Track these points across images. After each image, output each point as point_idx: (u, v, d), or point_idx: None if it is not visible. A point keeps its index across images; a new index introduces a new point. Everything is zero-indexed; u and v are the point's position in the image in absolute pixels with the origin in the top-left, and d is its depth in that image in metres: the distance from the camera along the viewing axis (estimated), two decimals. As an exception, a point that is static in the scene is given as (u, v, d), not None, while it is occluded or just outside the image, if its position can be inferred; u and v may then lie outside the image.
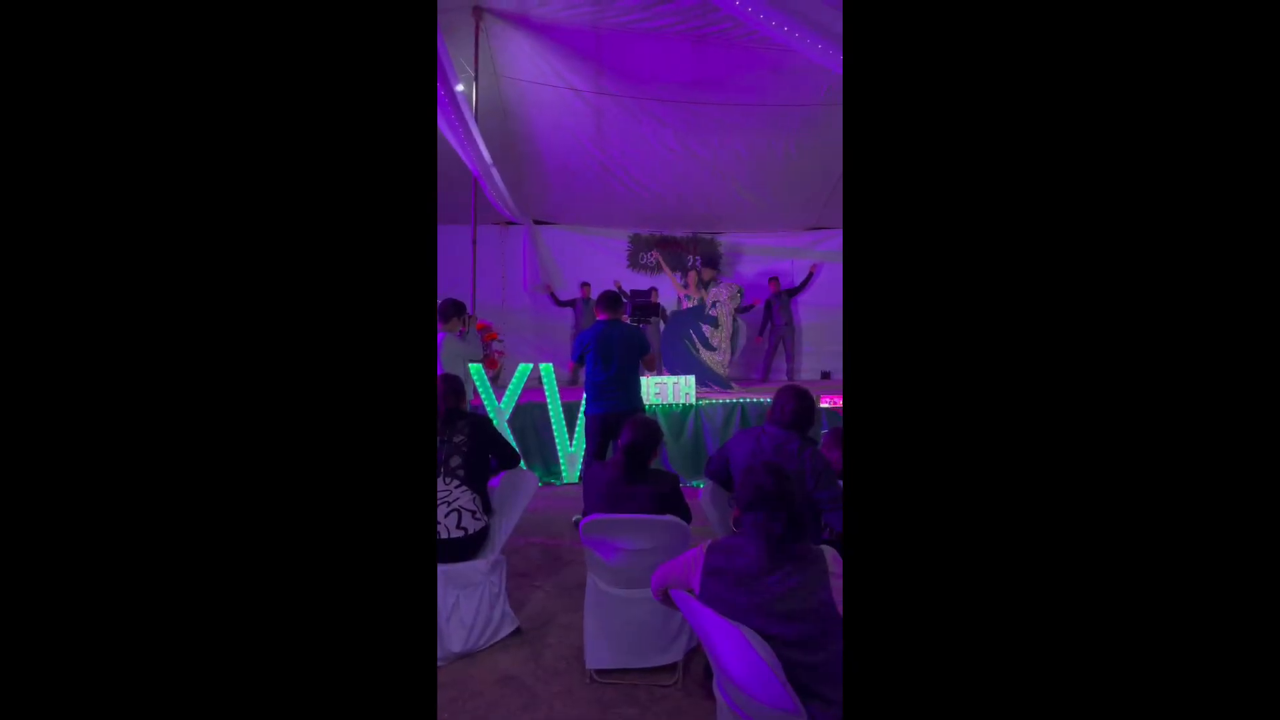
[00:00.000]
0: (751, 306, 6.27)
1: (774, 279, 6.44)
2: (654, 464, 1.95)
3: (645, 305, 5.14)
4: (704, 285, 5.27)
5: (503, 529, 2.25)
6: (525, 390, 4.23)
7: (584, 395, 3.38)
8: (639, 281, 6.72)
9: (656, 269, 6.85)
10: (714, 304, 5.10)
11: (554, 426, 4.23)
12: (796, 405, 1.99)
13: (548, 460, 4.31)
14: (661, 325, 5.45)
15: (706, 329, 5.13)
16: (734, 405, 4.32)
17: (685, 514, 1.94)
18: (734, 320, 5.18)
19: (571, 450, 4.27)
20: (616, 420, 2.98)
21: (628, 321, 3.81)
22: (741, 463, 1.94)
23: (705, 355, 5.10)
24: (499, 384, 4.55)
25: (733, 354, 5.23)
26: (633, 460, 1.92)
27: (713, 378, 5.04)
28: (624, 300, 3.30)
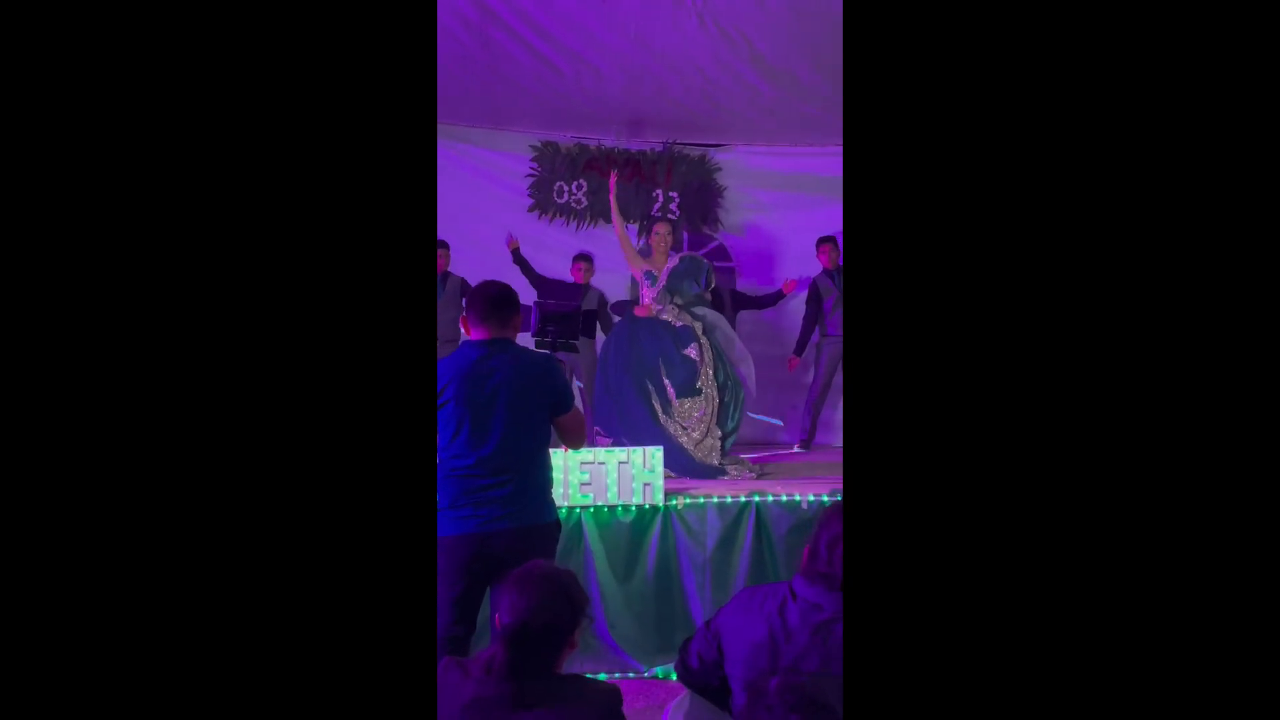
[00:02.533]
0: (779, 295, 5.28)
1: (828, 241, 5.14)
2: (570, 657, 1.67)
3: (566, 314, 3.68)
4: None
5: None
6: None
7: (438, 494, 2.65)
8: (553, 241, 5.64)
9: (590, 216, 5.80)
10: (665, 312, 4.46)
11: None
12: None
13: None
14: (600, 341, 4.78)
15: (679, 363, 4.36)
16: (742, 508, 3.60)
17: None
18: (713, 351, 4.36)
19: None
20: (498, 551, 2.40)
21: (529, 347, 2.88)
22: (746, 664, 1.65)
23: (672, 416, 4.30)
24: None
25: (726, 418, 4.37)
26: (523, 660, 1.56)
27: (686, 464, 4.22)
28: (519, 304, 2.51)
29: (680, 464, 4.09)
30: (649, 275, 4.41)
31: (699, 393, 4.24)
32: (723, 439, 4.28)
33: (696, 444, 4.22)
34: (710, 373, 4.25)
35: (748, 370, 4.41)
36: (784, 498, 3.53)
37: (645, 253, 4.54)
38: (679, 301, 4.39)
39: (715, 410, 4.27)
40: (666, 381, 4.23)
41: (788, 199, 5.71)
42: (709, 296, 4.55)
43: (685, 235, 5.68)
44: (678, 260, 4.48)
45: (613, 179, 4.83)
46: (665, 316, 4.33)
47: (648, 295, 4.39)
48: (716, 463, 4.23)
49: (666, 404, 4.24)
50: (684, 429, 4.23)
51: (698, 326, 4.33)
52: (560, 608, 1.61)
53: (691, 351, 4.29)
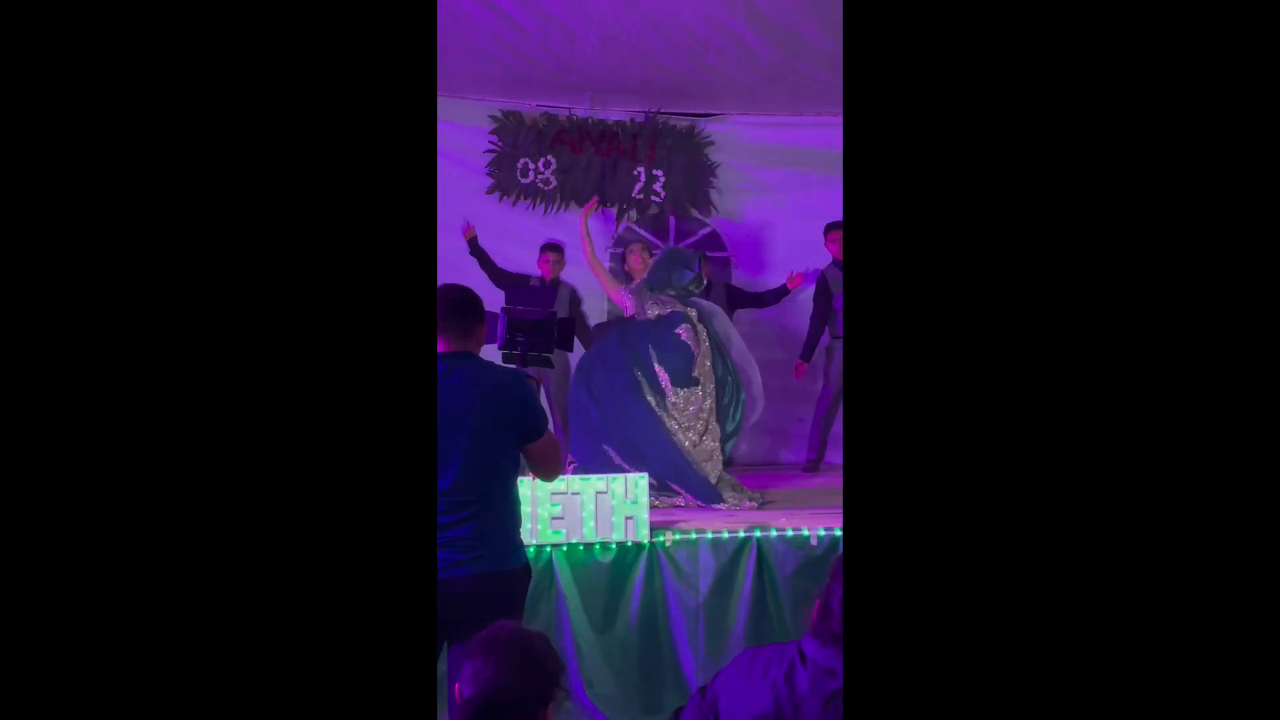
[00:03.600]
0: (783, 291, 5.19)
1: (837, 226, 5.00)
2: None
3: (539, 322, 3.56)
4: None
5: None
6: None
7: None
8: (517, 228, 5.47)
9: (560, 198, 5.59)
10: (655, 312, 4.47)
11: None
12: None
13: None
14: (574, 353, 4.74)
15: (665, 366, 4.33)
16: (740, 545, 3.57)
17: None
18: (710, 339, 4.37)
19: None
20: (458, 601, 2.31)
21: (494, 361, 2.90)
22: None
23: (667, 410, 4.22)
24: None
25: (726, 417, 4.32)
26: None
27: (686, 479, 4.14)
28: (483, 310, 2.47)
29: (674, 470, 4.09)
30: (631, 291, 4.54)
31: (695, 383, 4.24)
32: (723, 441, 4.28)
33: (695, 445, 4.24)
34: (707, 363, 4.27)
35: (752, 373, 4.43)
36: (789, 532, 3.54)
37: (622, 277, 4.63)
38: (671, 292, 4.42)
39: (714, 407, 4.28)
40: (659, 369, 4.24)
41: (791, 178, 5.63)
42: (703, 284, 4.56)
43: (671, 221, 5.67)
44: (659, 254, 4.55)
45: (588, 208, 4.91)
46: (652, 312, 4.37)
47: (630, 306, 4.41)
48: (714, 478, 4.25)
49: (660, 395, 4.24)
50: (680, 426, 4.22)
51: (691, 312, 4.37)
52: (531, 679, 1.58)
53: (683, 333, 4.30)
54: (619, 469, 4.06)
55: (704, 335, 4.39)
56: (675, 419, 4.26)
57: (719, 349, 4.39)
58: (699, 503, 4.15)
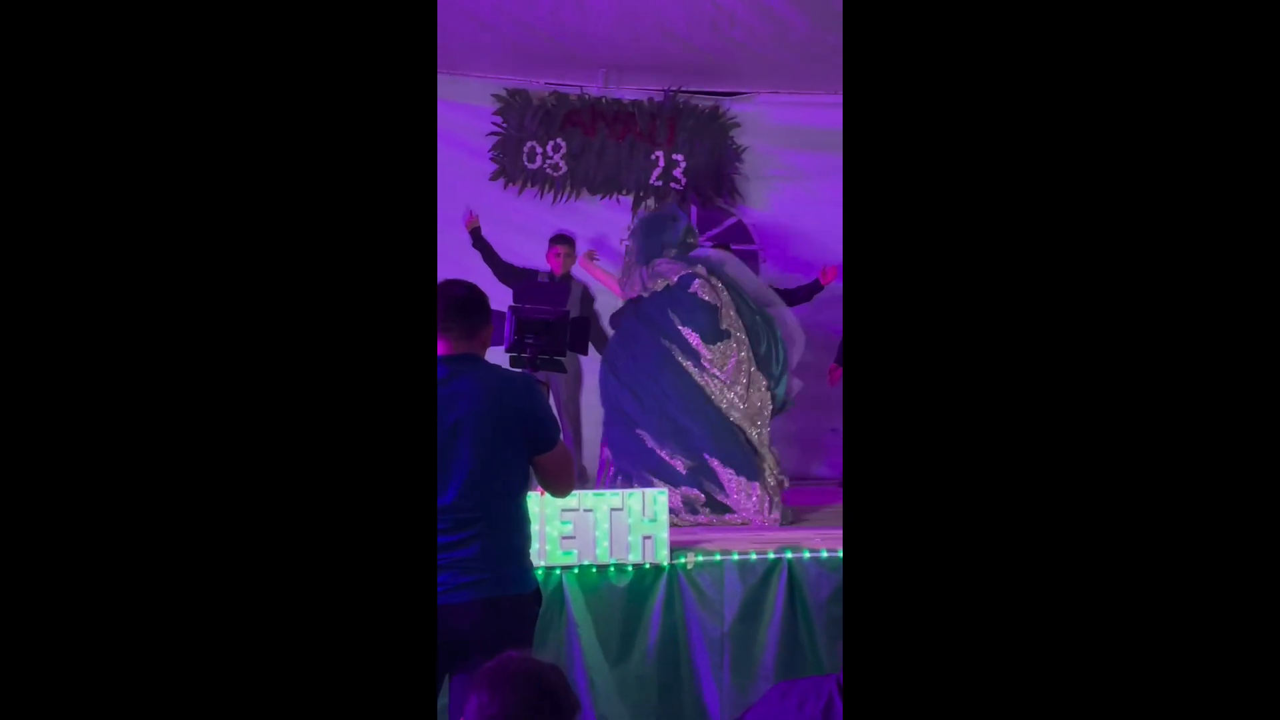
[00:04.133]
0: (813, 287, 5.09)
1: None
2: None
3: (549, 322, 3.39)
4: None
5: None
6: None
7: None
8: (524, 217, 5.40)
9: (570, 185, 5.49)
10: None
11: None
12: None
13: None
14: (587, 356, 4.75)
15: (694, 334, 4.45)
16: (770, 567, 3.53)
17: None
18: (727, 288, 4.39)
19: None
20: (463, 627, 2.30)
21: (502, 365, 2.90)
22: None
23: (704, 369, 4.21)
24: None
25: (770, 362, 4.32)
26: None
27: (727, 449, 4.11)
28: (489, 308, 2.44)
29: (714, 438, 4.10)
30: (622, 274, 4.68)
31: (727, 335, 4.27)
32: (772, 390, 4.30)
33: (743, 401, 4.34)
34: (732, 312, 4.28)
35: (779, 310, 4.49)
36: (824, 554, 3.51)
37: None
38: (671, 253, 4.49)
39: (751, 356, 4.29)
40: (685, 330, 4.27)
41: (825, 163, 5.44)
42: (696, 234, 4.70)
43: (694, 210, 5.61)
44: (635, 222, 4.63)
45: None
46: (660, 283, 4.43)
47: (633, 287, 4.45)
48: (762, 437, 4.34)
49: (694, 356, 4.27)
50: (722, 384, 4.24)
51: (699, 267, 4.44)
52: (543, 716, 1.57)
53: (698, 289, 4.32)
54: (657, 459, 4.12)
55: (720, 285, 4.41)
56: (716, 375, 4.33)
57: (739, 294, 4.43)
58: (738, 478, 4.19)
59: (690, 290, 4.47)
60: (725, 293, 4.42)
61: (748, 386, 4.38)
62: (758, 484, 4.20)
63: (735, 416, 4.33)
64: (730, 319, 4.41)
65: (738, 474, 4.22)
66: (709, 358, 4.39)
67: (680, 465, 4.26)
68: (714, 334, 4.38)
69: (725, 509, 4.27)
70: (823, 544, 3.60)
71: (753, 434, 4.41)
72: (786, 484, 4.41)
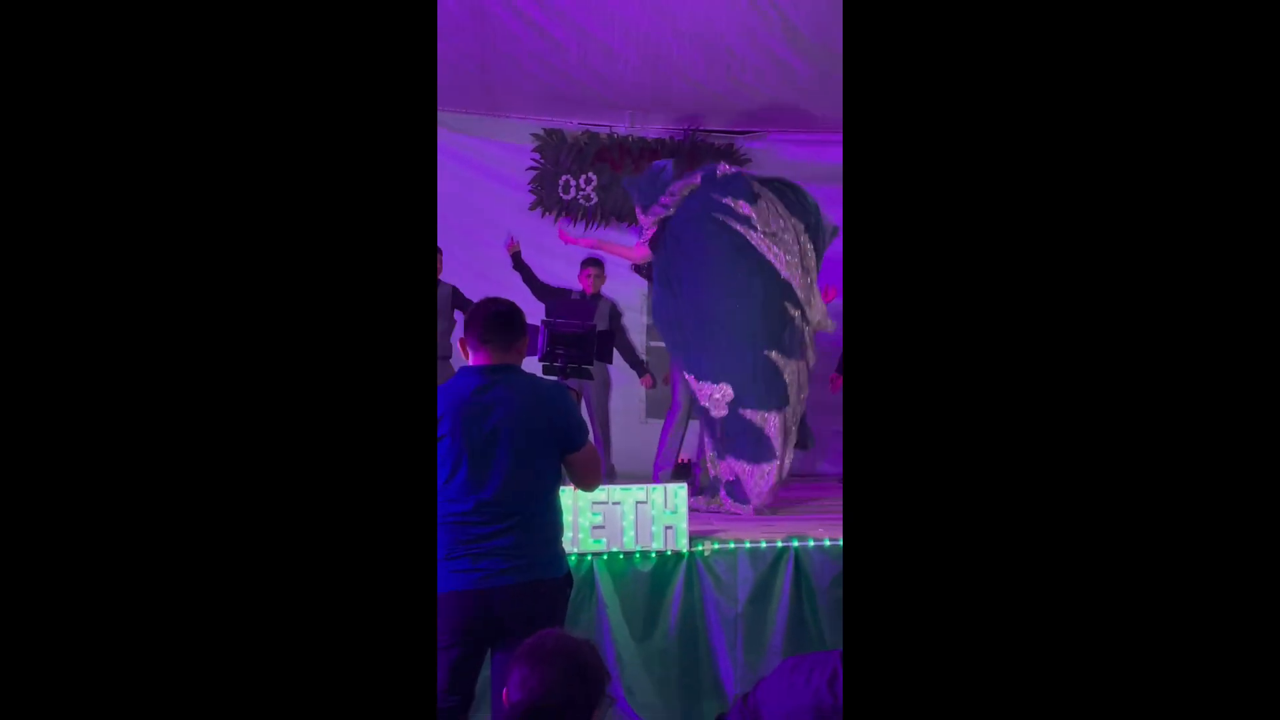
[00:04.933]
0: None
1: None
2: None
3: (579, 335, 3.51)
4: None
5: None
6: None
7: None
8: (564, 246, 5.51)
9: (600, 215, 5.88)
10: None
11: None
12: None
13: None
14: (613, 365, 4.92)
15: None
16: (779, 554, 3.66)
17: None
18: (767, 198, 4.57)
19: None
20: (503, 609, 2.43)
21: (536, 373, 2.91)
22: None
23: (778, 239, 4.37)
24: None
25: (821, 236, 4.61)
26: None
27: (784, 345, 4.35)
28: (527, 323, 2.61)
29: (771, 334, 4.19)
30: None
31: (759, 196, 4.35)
32: (819, 249, 4.47)
33: (806, 290, 4.34)
34: (778, 221, 4.31)
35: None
36: (827, 542, 3.58)
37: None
38: (672, 194, 4.51)
39: (789, 213, 4.39)
40: (736, 202, 4.27)
41: (829, 194, 5.48)
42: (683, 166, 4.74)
43: None
44: (629, 186, 4.71)
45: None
46: (677, 197, 4.46)
47: (639, 246, 4.52)
48: (822, 325, 4.42)
49: (747, 222, 4.26)
50: (787, 254, 4.29)
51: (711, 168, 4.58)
52: (579, 686, 1.64)
53: (744, 207, 4.31)
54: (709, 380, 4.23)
55: (759, 197, 4.44)
56: (779, 241, 4.29)
57: (780, 198, 4.48)
58: (764, 414, 4.23)
59: (718, 174, 4.47)
60: (764, 205, 4.45)
61: (807, 268, 4.40)
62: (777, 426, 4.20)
63: (789, 274, 4.33)
64: (758, 188, 4.47)
65: (764, 410, 4.21)
66: (755, 218, 4.37)
67: (721, 403, 4.28)
68: (750, 196, 4.38)
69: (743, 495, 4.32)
70: (826, 534, 3.66)
71: (808, 333, 4.45)
72: (803, 413, 4.36)
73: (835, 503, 4.54)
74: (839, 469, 5.33)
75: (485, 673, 2.52)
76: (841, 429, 4.93)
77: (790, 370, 4.35)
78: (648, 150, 5.86)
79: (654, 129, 5.91)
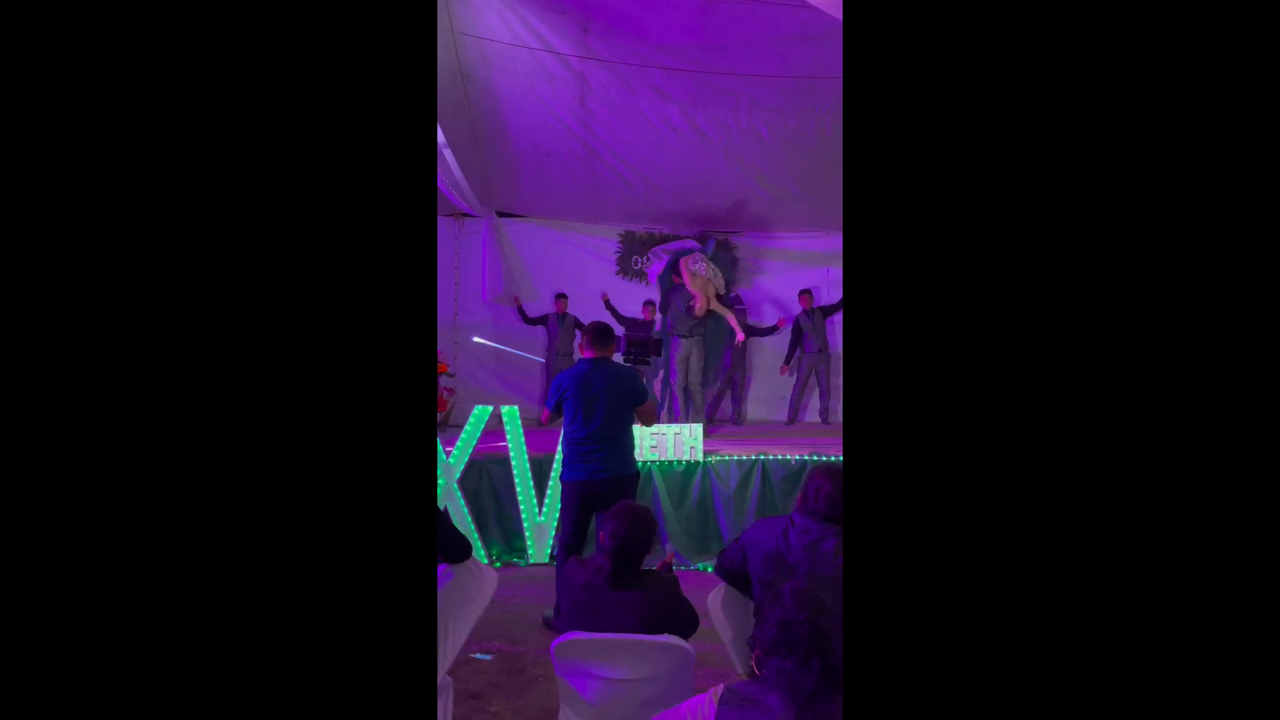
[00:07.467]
0: (774, 328, 6.42)
1: (805, 292, 6.48)
2: (649, 560, 1.96)
3: (643, 341, 4.96)
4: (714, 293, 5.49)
5: (448, 646, 2.17)
6: (482, 439, 4.14)
7: (559, 454, 3.41)
8: (630, 293, 6.76)
9: (652, 279, 7.02)
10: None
11: (518, 489, 4.17)
12: (833, 491, 1.92)
13: (509, 533, 4.18)
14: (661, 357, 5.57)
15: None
16: (752, 464, 4.27)
17: (688, 625, 1.92)
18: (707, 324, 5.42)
19: (540, 520, 4.15)
20: (600, 491, 2.99)
21: (619, 361, 3.79)
22: (762, 566, 1.93)
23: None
24: (447, 430, 4.45)
25: (703, 377, 5.42)
26: (619, 562, 1.91)
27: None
28: (615, 335, 3.30)
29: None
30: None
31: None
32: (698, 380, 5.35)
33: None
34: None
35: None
36: (779, 457, 4.16)
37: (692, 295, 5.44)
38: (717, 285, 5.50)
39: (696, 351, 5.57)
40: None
41: (781, 266, 6.96)
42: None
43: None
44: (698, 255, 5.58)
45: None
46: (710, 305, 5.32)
47: (699, 300, 5.44)
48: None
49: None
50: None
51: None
52: (641, 532, 1.95)
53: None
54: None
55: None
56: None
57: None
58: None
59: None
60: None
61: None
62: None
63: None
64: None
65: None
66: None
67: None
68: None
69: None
70: (779, 452, 4.24)
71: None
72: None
73: (783, 434, 5.41)
74: (784, 417, 6.38)
75: (591, 526, 3.02)
76: (784, 395, 6.64)
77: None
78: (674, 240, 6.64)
79: (683, 230, 6.87)
